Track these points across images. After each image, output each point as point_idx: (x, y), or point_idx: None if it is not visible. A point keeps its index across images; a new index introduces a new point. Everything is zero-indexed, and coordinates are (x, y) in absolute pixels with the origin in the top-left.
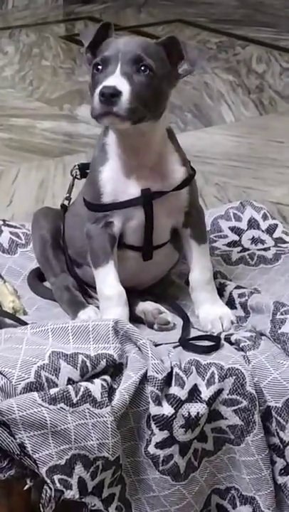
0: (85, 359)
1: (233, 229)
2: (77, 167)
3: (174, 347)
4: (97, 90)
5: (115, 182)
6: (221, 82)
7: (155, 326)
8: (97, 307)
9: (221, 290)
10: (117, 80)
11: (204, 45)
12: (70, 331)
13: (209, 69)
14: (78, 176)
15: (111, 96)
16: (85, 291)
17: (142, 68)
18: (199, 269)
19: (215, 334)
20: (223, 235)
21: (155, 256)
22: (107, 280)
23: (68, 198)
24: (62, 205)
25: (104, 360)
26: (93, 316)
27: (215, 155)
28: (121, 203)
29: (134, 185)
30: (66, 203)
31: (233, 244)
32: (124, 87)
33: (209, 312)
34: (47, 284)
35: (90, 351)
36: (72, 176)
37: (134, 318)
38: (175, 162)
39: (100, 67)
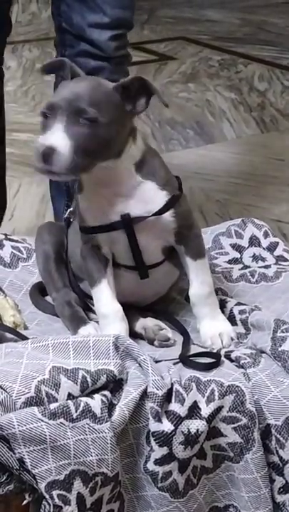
0: (85, 374)
1: (234, 246)
2: None
3: (174, 363)
4: (37, 144)
5: (93, 210)
6: (222, 100)
7: (155, 343)
8: (98, 322)
9: (221, 307)
10: (54, 136)
11: (206, 62)
12: (71, 346)
13: (212, 86)
14: None
15: (47, 155)
16: (87, 306)
17: (84, 121)
18: (197, 284)
19: (215, 350)
20: (224, 252)
21: (153, 274)
22: (102, 298)
23: (73, 213)
24: (66, 219)
25: (105, 375)
26: (93, 333)
27: (216, 172)
28: (101, 227)
29: (113, 211)
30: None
31: (234, 261)
32: (61, 142)
33: (209, 328)
34: (49, 298)
35: (91, 367)
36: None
37: (135, 335)
38: (150, 189)
39: (46, 114)
